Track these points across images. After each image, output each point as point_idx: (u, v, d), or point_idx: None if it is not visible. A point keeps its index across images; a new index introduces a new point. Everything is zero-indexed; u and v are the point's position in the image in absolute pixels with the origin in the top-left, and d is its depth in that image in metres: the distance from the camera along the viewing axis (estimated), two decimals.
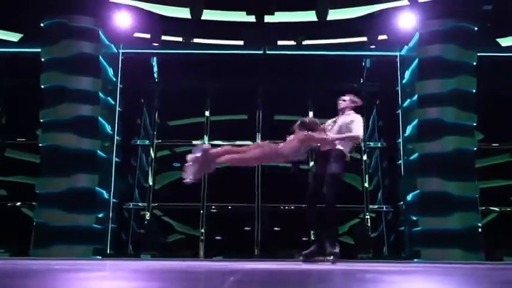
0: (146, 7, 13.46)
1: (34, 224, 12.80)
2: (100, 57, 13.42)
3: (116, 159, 14.13)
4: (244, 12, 13.55)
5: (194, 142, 15.05)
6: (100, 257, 12.60)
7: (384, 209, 14.76)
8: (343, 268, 6.17)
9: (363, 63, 15.17)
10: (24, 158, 14.71)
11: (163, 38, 14.07)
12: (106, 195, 13.42)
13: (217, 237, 14.79)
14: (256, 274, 4.89)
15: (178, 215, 15.03)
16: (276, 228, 14.91)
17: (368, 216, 14.43)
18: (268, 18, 13.58)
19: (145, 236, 14.44)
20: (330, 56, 14.46)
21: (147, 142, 15.24)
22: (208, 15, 13.45)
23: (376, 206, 14.83)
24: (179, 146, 15.59)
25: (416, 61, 13.48)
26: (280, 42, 14.32)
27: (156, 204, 14.75)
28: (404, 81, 14.24)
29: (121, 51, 14.53)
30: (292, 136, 7.74)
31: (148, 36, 13.91)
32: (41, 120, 13.08)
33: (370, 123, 15.24)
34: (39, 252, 12.06)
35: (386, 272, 5.31)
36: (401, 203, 14.09)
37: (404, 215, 13.92)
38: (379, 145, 15.20)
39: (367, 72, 15.39)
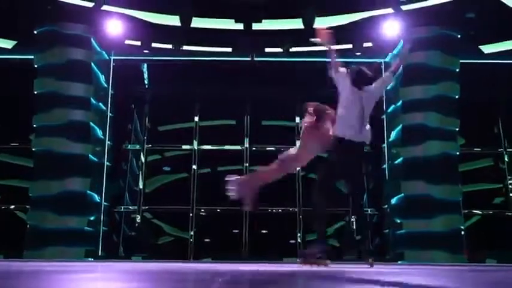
0: (137, 15, 13.59)
1: (27, 226, 12.94)
2: (92, 63, 13.61)
3: (107, 163, 14.26)
4: (233, 20, 13.72)
5: (183, 147, 15.28)
6: (92, 259, 12.76)
7: (369, 212, 14.90)
8: (328, 269, 6.38)
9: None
10: (17, 162, 14.87)
11: (154, 45, 14.19)
12: (97, 199, 13.59)
13: (206, 240, 14.98)
14: (245, 275, 5.08)
15: (168, 218, 15.20)
16: (264, 231, 15.10)
17: (353, 219, 14.61)
18: (256, 26, 13.76)
19: (136, 238, 14.60)
20: (316, 63, 14.54)
21: (137, 147, 15.43)
22: (197, 22, 13.60)
23: None
24: (169, 150, 15.80)
25: (400, 67, 13.63)
26: (267, 49, 14.47)
27: (147, 207, 14.92)
28: (388, 87, 14.40)
29: (112, 57, 14.66)
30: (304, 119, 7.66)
31: (139, 43, 14.03)
32: (34, 125, 13.26)
33: None
34: (33, 254, 12.21)
35: (371, 274, 5.48)
36: (386, 206, 14.32)
37: (388, 218, 14.14)
38: (364, 150, 15.30)
39: None
